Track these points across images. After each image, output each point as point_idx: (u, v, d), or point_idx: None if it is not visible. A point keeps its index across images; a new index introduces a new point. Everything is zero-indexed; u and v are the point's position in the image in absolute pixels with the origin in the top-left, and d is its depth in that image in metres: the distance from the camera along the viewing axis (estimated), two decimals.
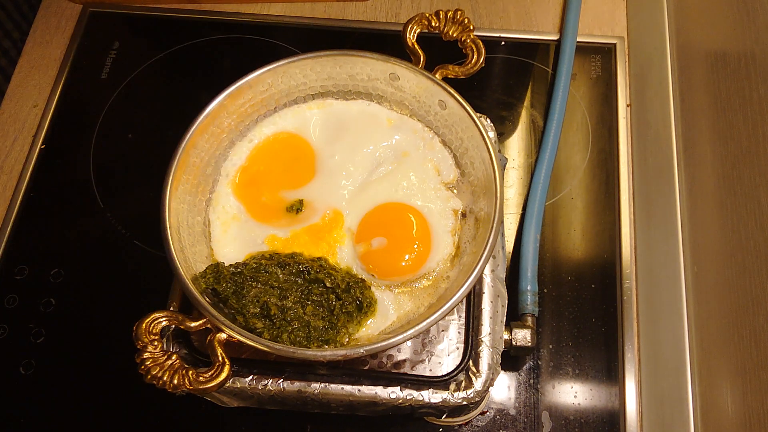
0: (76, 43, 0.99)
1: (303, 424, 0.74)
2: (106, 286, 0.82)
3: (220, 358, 0.54)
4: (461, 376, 0.62)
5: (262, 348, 0.55)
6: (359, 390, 0.61)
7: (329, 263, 0.64)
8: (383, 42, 0.99)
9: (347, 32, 1.00)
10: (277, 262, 0.61)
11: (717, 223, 0.68)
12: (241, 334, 0.55)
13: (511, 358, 0.75)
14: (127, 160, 0.91)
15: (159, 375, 0.53)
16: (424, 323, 0.55)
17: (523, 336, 0.69)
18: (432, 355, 0.64)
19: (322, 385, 0.61)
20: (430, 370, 0.63)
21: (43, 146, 0.91)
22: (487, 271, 0.66)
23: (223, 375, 0.54)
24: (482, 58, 0.69)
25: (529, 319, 0.75)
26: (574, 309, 0.80)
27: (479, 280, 0.66)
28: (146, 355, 0.53)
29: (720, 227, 0.67)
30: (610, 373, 0.77)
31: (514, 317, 0.75)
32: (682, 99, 0.82)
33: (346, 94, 0.72)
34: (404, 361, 0.64)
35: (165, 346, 0.62)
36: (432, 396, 0.61)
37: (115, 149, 0.92)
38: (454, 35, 0.69)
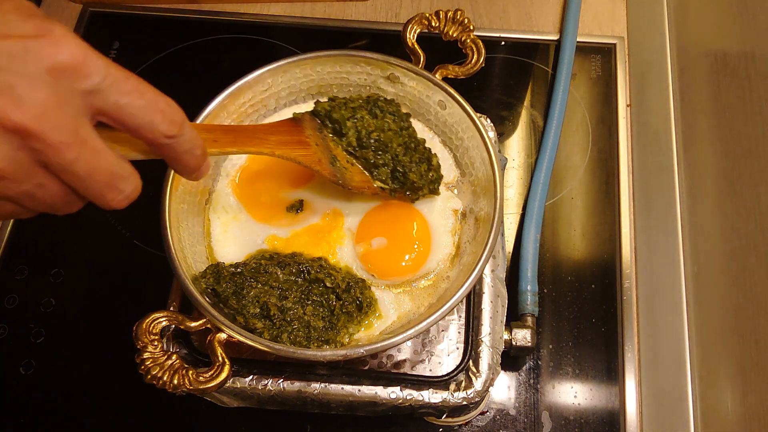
0: None
1: (303, 424, 0.74)
2: (106, 286, 0.82)
3: (220, 358, 0.54)
4: (461, 376, 0.62)
5: (262, 348, 0.55)
6: (359, 390, 0.61)
7: (329, 263, 0.64)
8: (383, 42, 0.99)
9: (347, 32, 1.00)
10: (277, 262, 0.61)
11: (717, 223, 0.68)
12: (241, 334, 0.55)
13: (511, 358, 0.75)
14: None
15: (159, 375, 0.53)
16: (424, 323, 0.55)
17: (523, 336, 0.69)
18: (432, 355, 0.64)
19: (322, 385, 0.61)
20: (430, 370, 0.63)
21: None
22: (487, 271, 0.66)
23: (223, 375, 0.54)
24: (482, 58, 0.69)
25: (529, 319, 0.75)
26: (574, 309, 0.80)
27: (479, 280, 0.66)
28: (146, 355, 0.53)
29: (720, 227, 0.67)
30: (610, 373, 0.77)
31: (514, 317, 0.75)
32: (682, 99, 0.82)
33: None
34: (404, 361, 0.64)
35: (165, 346, 0.62)
36: (432, 396, 0.61)
37: None
38: (454, 35, 0.69)
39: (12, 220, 0.86)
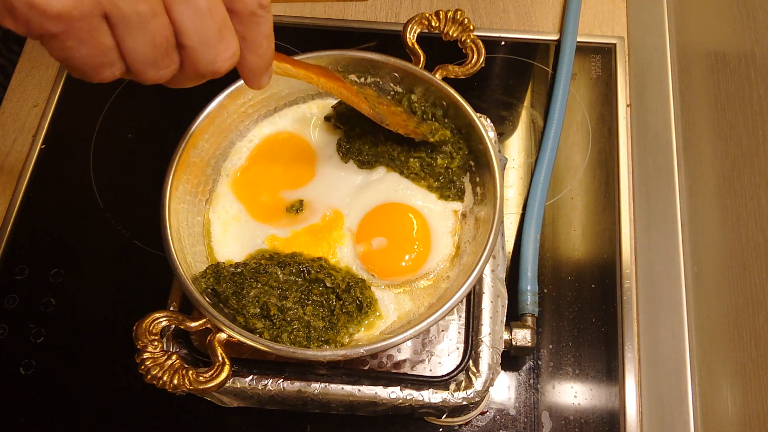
0: None
1: (303, 424, 0.74)
2: (106, 286, 0.82)
3: (220, 358, 0.54)
4: (461, 376, 0.62)
5: (262, 348, 0.55)
6: (359, 390, 0.61)
7: (329, 263, 0.64)
8: (383, 42, 0.99)
9: (347, 32, 1.00)
10: (277, 262, 0.61)
11: (717, 223, 0.68)
12: (241, 334, 0.55)
13: (511, 358, 0.75)
14: (127, 160, 0.91)
15: (159, 375, 0.53)
16: (424, 323, 0.55)
17: (523, 336, 0.69)
18: (432, 355, 0.64)
19: (322, 385, 0.61)
20: (430, 370, 0.63)
21: (43, 146, 0.91)
22: (487, 271, 0.66)
23: (223, 375, 0.54)
24: (482, 58, 0.69)
25: (529, 319, 0.75)
26: (574, 309, 0.80)
27: (479, 280, 0.66)
28: (146, 355, 0.53)
29: (720, 227, 0.67)
30: (610, 373, 0.77)
31: (514, 317, 0.75)
32: (682, 99, 0.82)
33: None
34: (404, 361, 0.64)
35: (165, 346, 0.62)
36: (432, 396, 0.61)
37: (115, 149, 0.92)
38: (454, 35, 0.69)
39: (12, 221, 0.85)
